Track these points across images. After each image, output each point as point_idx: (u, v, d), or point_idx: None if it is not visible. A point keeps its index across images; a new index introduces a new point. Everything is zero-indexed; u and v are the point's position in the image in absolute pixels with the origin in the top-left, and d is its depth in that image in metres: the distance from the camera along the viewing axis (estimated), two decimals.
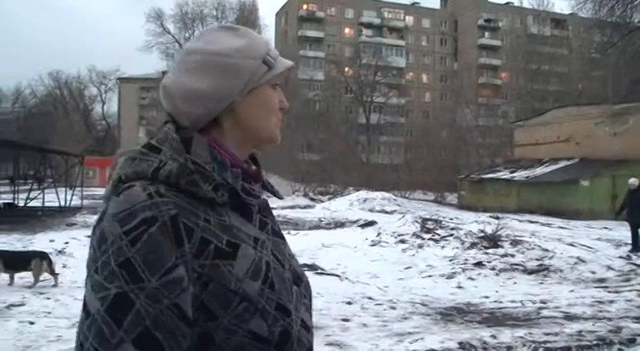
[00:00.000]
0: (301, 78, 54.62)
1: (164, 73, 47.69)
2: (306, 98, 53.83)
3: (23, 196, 20.90)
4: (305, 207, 28.21)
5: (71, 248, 10.78)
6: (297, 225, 17.92)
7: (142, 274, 0.83)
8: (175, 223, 0.88)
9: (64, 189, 21.87)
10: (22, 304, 6.61)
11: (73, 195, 22.00)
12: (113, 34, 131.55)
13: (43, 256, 8.01)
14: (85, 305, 0.86)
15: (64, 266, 9.10)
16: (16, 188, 22.16)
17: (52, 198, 20.91)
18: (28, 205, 19.80)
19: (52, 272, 8.01)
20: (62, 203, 20.67)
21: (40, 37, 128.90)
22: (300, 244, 11.97)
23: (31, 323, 5.85)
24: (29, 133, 54.49)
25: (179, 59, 1.06)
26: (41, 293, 7.20)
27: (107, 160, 55.24)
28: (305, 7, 65.96)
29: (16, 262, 7.88)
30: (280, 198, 1.19)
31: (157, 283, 0.84)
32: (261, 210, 1.07)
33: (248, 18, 48.61)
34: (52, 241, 11.76)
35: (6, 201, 20.31)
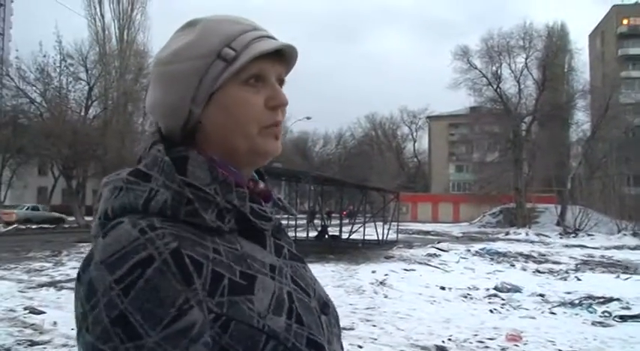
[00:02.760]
0: (624, 102, 49.01)
1: (472, 109, 48.11)
2: (631, 125, 48.10)
3: (346, 229, 23.12)
4: (635, 248, 24.90)
5: (391, 280, 11.45)
6: (627, 268, 15.89)
7: (140, 329, 0.69)
8: (178, 258, 0.73)
9: (380, 223, 23.52)
10: (352, 329, 7.23)
11: (389, 229, 23.49)
12: (422, 74, 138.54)
13: None
14: None
15: (386, 297, 9.69)
16: (341, 221, 24.68)
17: (370, 231, 22.64)
18: (351, 237, 21.79)
19: None
20: (380, 237, 22.25)
21: (359, 84, 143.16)
22: (634, 291, 10.58)
23: (360, 347, 6.34)
24: (349, 172, 60.41)
25: None
26: (368, 320, 7.78)
27: (419, 196, 57.75)
28: (625, 22, 59.64)
29: None
30: (292, 214, 1.00)
31: (158, 337, 0.69)
32: (274, 232, 0.92)
33: (557, 44, 45.97)
34: (373, 272, 12.69)
35: (332, 233, 22.69)
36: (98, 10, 40.68)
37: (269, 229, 0.88)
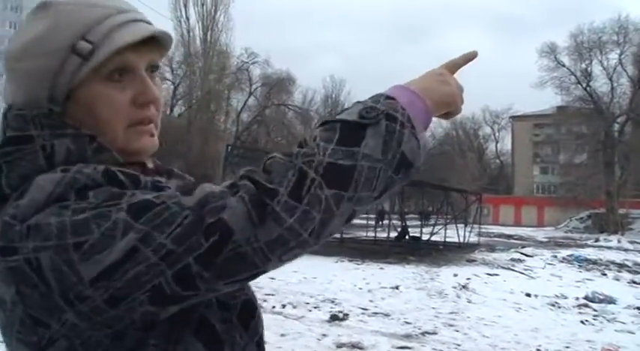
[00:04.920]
0: None
1: (559, 108, 46.01)
2: None
3: (426, 230, 22.71)
4: None
5: (474, 284, 11.08)
6: None
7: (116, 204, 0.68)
8: (111, 174, 0.71)
9: (461, 226, 22.96)
10: (435, 333, 7.01)
11: (470, 232, 22.87)
12: (505, 73, 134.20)
13: None
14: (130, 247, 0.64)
15: (469, 301, 9.36)
16: (422, 223, 24.28)
17: (451, 234, 22.13)
18: (432, 239, 21.38)
19: None
20: (461, 239, 21.71)
21: None
22: None
23: None
24: (430, 173, 59.47)
25: None
26: (451, 325, 7.52)
27: (501, 199, 56.01)
28: None
29: None
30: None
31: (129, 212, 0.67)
32: None
33: None
34: (455, 275, 12.34)
35: (413, 234, 22.35)
36: (184, 12, 42.25)
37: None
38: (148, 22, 0.80)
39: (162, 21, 40.50)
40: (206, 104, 41.50)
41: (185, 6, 42.04)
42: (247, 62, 46.79)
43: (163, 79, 42.77)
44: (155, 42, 0.80)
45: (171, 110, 43.61)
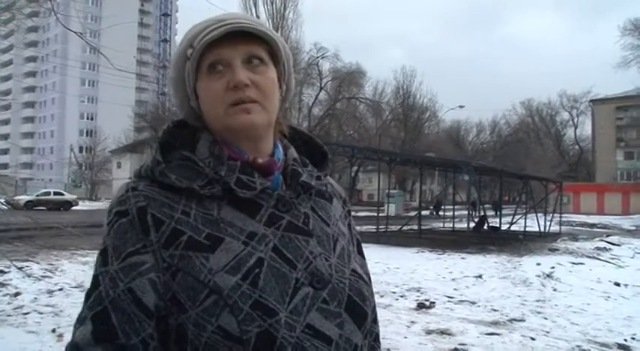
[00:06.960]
0: None
1: None
2: None
3: (505, 220, 22.35)
4: None
5: (558, 273, 10.96)
6: None
7: (110, 258, 0.90)
8: (142, 215, 0.91)
9: (541, 215, 22.42)
10: (522, 320, 7.09)
11: (551, 221, 22.32)
12: (582, 55, 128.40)
13: None
14: None
15: (555, 290, 9.31)
16: (500, 212, 23.90)
17: (531, 223, 21.68)
18: (511, 229, 21.04)
19: None
20: (541, 229, 21.23)
21: (512, 72, 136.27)
22: None
23: (532, 339, 6.21)
24: (504, 161, 57.94)
25: None
26: (539, 312, 7.57)
27: (582, 186, 53.84)
28: None
29: None
30: (323, 191, 1.08)
31: (117, 267, 0.89)
32: (280, 204, 0.98)
33: None
34: (538, 264, 12.21)
35: (491, 224, 22.06)
36: (254, 11, 43.07)
37: (268, 199, 0.97)
38: (246, 23, 0.96)
39: None
40: None
41: (255, 4, 42.96)
42: (317, 57, 47.35)
43: None
44: (253, 37, 0.97)
45: None
